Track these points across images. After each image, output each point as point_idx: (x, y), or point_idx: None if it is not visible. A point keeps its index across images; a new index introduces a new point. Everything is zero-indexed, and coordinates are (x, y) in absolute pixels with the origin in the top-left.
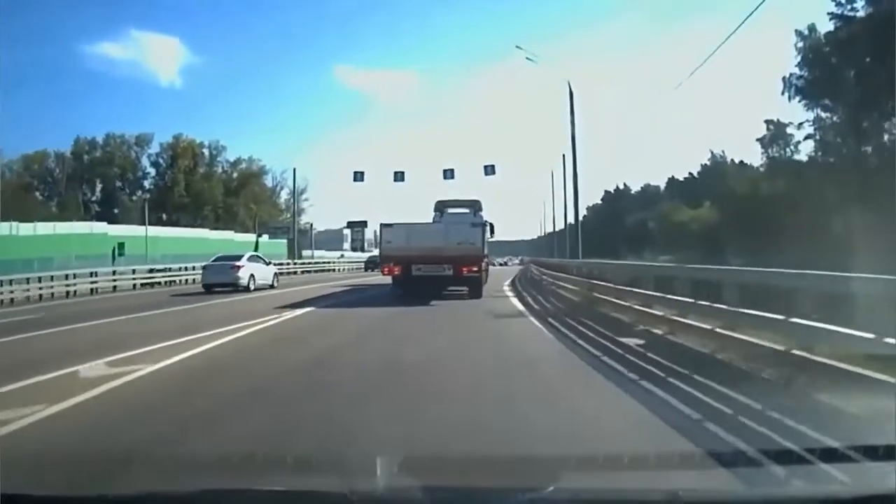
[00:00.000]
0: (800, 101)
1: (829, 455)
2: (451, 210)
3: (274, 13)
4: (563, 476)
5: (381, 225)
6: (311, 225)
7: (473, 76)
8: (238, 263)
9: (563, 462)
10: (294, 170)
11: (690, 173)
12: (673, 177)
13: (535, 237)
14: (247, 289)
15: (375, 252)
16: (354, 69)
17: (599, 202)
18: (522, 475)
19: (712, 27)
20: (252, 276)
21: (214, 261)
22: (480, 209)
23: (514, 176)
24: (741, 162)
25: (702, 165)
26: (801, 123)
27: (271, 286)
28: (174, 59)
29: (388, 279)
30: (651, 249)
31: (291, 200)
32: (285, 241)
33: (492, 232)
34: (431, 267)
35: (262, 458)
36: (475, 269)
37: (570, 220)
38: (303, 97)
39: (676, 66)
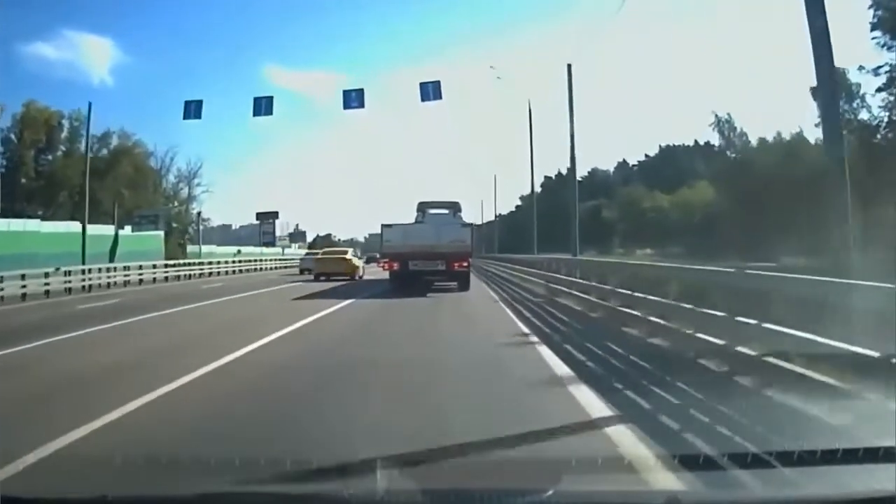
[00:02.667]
0: (878, 39)
1: (829, 457)
2: (432, 210)
3: (205, 14)
4: (563, 478)
5: (383, 225)
6: (200, 214)
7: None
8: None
9: (563, 465)
10: (90, 105)
11: (647, 154)
12: (624, 160)
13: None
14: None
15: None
16: (283, 69)
17: (538, 190)
18: (522, 478)
19: None
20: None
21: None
22: (460, 210)
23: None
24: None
25: (660, 147)
26: (878, 68)
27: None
28: (106, 58)
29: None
30: (621, 242)
31: (183, 187)
32: (161, 234)
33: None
34: (427, 262)
35: (263, 460)
36: (465, 264)
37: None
38: (232, 95)
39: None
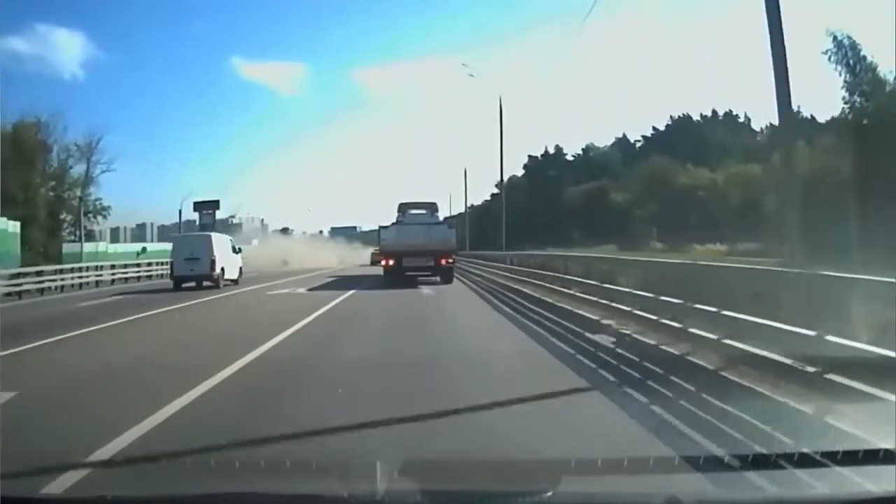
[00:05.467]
0: None
1: (830, 458)
2: (411, 211)
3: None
4: (563, 480)
5: (380, 227)
6: (82, 199)
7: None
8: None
9: (563, 465)
10: None
11: (655, 128)
12: (624, 135)
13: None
14: None
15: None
16: (247, 61)
17: (518, 175)
18: (522, 479)
19: None
20: None
21: None
22: (437, 210)
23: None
24: None
25: (672, 118)
26: None
27: None
28: (77, 52)
29: None
30: (659, 235)
31: (74, 164)
32: (12, 229)
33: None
34: (418, 259)
35: (262, 461)
36: (451, 260)
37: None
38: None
39: None
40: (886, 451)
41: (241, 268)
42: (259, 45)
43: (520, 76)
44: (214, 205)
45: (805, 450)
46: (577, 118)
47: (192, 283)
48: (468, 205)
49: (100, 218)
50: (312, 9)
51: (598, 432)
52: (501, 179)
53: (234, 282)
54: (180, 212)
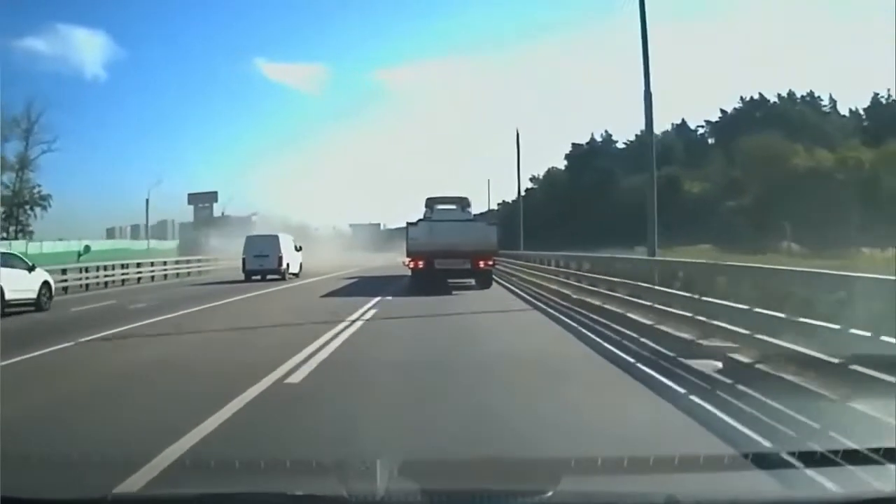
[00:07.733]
0: None
1: (827, 459)
2: (439, 206)
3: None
4: (563, 479)
5: (408, 223)
6: (16, 186)
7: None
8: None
9: (563, 465)
10: None
11: (723, 111)
12: (683, 121)
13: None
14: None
15: None
16: (269, 62)
17: (559, 167)
18: (522, 478)
19: None
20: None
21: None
22: (468, 205)
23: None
24: None
25: (743, 100)
26: None
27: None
28: (99, 53)
29: None
30: (795, 234)
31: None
32: None
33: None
34: (452, 261)
35: (263, 461)
36: (490, 262)
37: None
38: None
39: None
40: (887, 449)
41: (301, 263)
42: (281, 46)
43: (553, 69)
44: (212, 196)
45: (805, 448)
46: (621, 106)
47: (259, 277)
48: (520, 192)
49: (38, 210)
50: (332, 12)
51: None
52: (649, 115)
53: (296, 275)
54: (147, 201)
